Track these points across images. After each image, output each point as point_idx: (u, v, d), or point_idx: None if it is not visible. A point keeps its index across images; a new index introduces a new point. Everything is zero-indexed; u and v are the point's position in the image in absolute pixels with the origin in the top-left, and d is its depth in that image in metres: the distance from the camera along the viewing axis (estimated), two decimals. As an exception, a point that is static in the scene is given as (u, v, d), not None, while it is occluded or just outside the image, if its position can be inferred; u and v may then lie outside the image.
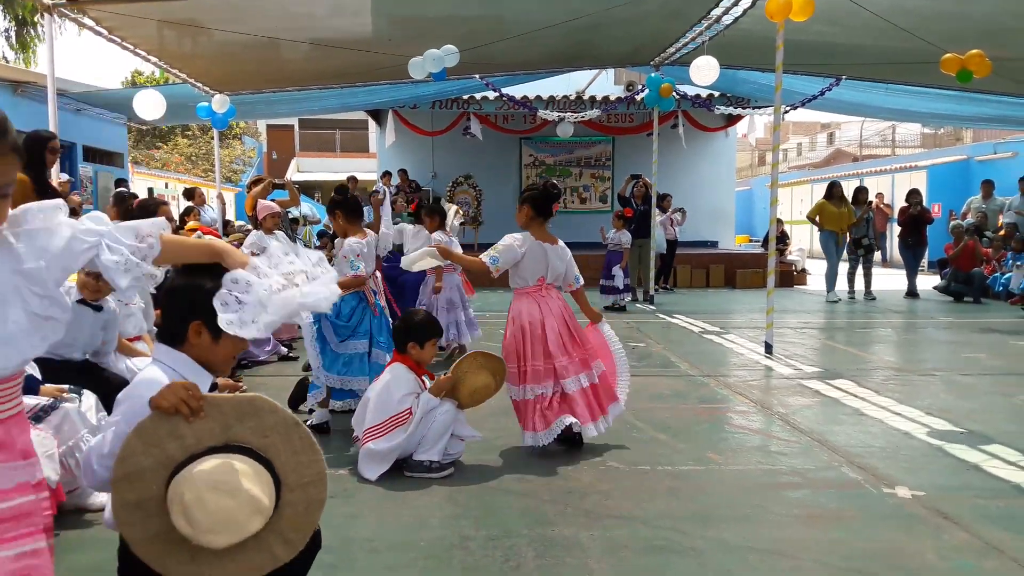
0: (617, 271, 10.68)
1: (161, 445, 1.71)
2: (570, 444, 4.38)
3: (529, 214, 4.43)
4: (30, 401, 3.29)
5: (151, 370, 1.96)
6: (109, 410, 3.30)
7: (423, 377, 4.09)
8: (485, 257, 4.27)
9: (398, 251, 7.38)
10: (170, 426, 1.72)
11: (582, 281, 4.56)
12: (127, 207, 6.24)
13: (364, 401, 4.13)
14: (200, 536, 1.67)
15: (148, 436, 1.71)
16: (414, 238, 7.54)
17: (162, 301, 2.09)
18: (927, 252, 14.20)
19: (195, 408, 1.73)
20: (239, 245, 7.62)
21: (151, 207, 5.43)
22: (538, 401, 4.23)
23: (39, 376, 3.55)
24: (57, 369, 3.73)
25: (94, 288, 3.97)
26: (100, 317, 4.08)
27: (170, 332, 2.00)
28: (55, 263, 1.58)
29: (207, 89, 11.65)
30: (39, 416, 3.26)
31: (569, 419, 4.21)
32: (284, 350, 7.17)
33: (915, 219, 12.62)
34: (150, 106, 10.35)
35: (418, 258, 4.38)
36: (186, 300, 1.97)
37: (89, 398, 3.51)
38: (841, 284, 12.37)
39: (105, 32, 8.79)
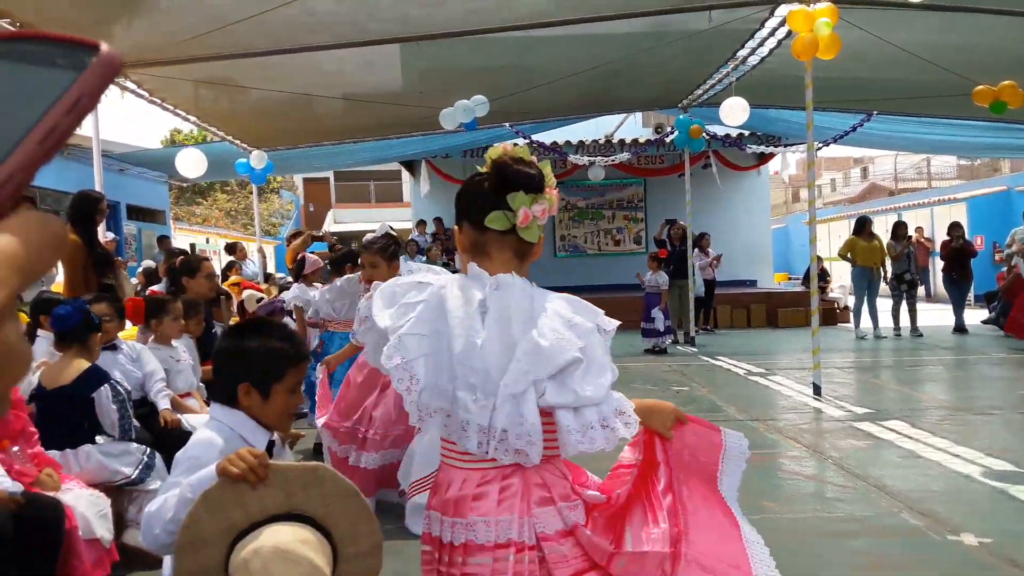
0: (657, 313, 10.56)
1: (226, 512, 1.71)
2: None
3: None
4: (126, 470, 3.47)
5: (207, 430, 1.97)
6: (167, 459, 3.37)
7: None
8: None
9: None
10: (235, 493, 1.72)
11: None
12: (169, 264, 6.35)
13: (409, 454, 4.08)
14: None
15: (214, 503, 1.71)
16: None
17: (213, 363, 2.12)
18: (972, 286, 13.89)
19: (262, 476, 1.73)
20: (277, 294, 7.71)
21: (193, 263, 5.52)
22: None
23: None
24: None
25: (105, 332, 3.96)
26: (124, 355, 4.10)
27: (222, 393, 2.03)
28: None
29: (245, 146, 11.92)
30: (139, 480, 3.40)
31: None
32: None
33: (958, 252, 12.38)
34: (192, 164, 10.60)
35: None
36: (234, 362, 2.01)
37: (159, 460, 3.60)
38: (885, 321, 12.14)
39: (146, 95, 9.05)
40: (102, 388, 3.50)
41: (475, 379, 1.50)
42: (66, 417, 3.47)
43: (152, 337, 4.47)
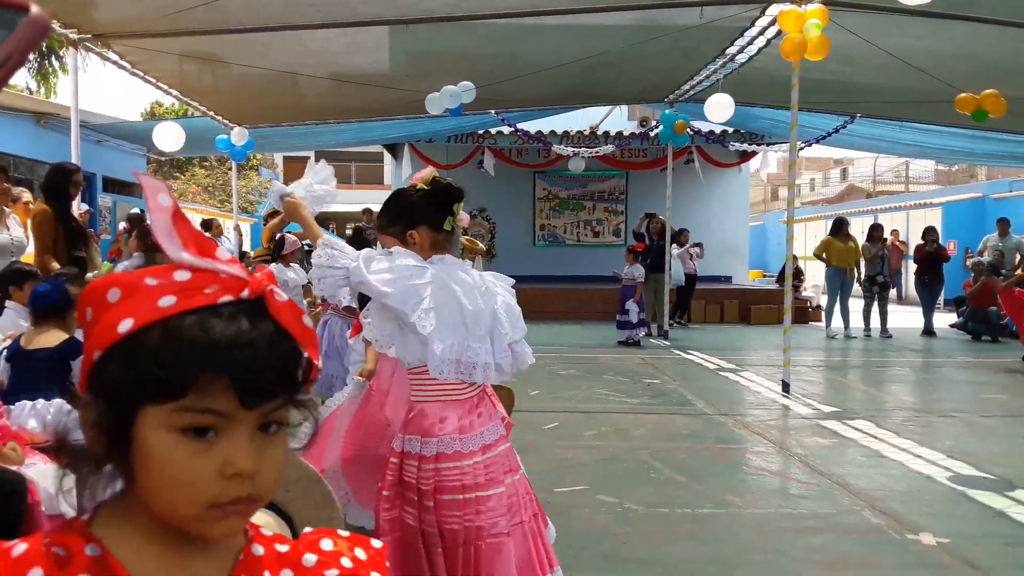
0: (631, 305, 10.63)
1: None
2: None
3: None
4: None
5: None
6: None
7: None
8: None
9: None
10: None
11: None
12: (147, 243, 6.26)
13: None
14: None
15: None
16: None
17: None
18: (943, 290, 14.09)
19: None
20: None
21: None
22: None
23: None
24: None
25: None
26: None
27: None
28: None
29: (226, 122, 11.80)
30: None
31: None
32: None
33: (931, 257, 12.57)
34: (169, 138, 10.48)
35: None
36: None
37: None
38: (856, 321, 12.31)
39: (128, 66, 8.94)
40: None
41: (482, 332, 2.22)
42: (48, 373, 3.50)
43: None
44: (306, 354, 0.76)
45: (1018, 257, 13.48)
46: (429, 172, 2.35)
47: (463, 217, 2.30)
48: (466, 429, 2.17)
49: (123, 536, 0.74)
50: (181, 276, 0.73)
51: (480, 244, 9.24)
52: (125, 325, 0.71)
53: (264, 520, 1.70)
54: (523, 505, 2.25)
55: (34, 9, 0.41)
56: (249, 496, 0.74)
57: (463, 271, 2.27)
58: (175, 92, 10.42)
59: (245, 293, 0.74)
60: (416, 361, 2.21)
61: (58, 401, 3.51)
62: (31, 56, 19.41)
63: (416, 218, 2.29)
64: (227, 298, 0.73)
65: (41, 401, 3.45)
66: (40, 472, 3.08)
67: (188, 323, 0.71)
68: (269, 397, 0.73)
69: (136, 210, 11.26)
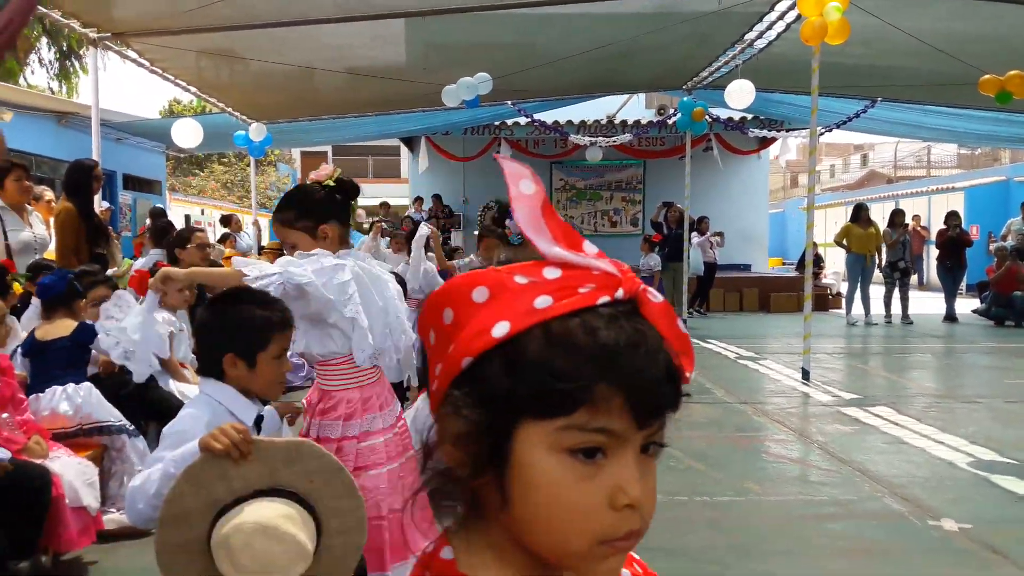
0: None
1: (209, 488, 1.71)
2: None
3: (496, 245, 4.63)
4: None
5: (194, 405, 1.98)
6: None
7: None
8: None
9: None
10: (219, 469, 1.72)
11: None
12: (167, 238, 6.30)
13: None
14: None
15: (197, 479, 1.71)
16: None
17: (195, 337, 2.13)
18: (965, 275, 13.94)
19: (245, 451, 1.73)
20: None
21: (184, 234, 5.52)
22: None
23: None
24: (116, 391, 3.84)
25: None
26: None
27: (208, 366, 2.03)
28: None
29: (244, 118, 11.87)
30: (88, 431, 3.40)
31: None
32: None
33: (954, 242, 12.42)
34: (188, 135, 10.56)
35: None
36: (216, 334, 2.01)
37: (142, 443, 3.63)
38: (877, 308, 12.20)
39: (147, 64, 9.01)
40: (98, 336, 3.67)
41: (390, 320, 2.44)
42: (67, 359, 3.61)
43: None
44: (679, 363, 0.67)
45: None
46: (331, 170, 2.49)
47: (360, 213, 2.57)
48: (372, 410, 2.42)
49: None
50: (552, 273, 0.65)
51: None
52: (501, 329, 0.62)
53: (287, 512, 1.72)
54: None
55: None
56: (638, 531, 0.65)
57: (368, 263, 2.48)
58: (193, 89, 10.49)
59: (620, 293, 0.65)
60: (330, 353, 2.37)
61: (86, 385, 3.59)
62: (51, 56, 19.44)
63: (325, 214, 2.42)
64: (604, 298, 0.64)
65: (71, 386, 3.53)
66: (64, 465, 3.14)
67: (573, 327, 0.61)
68: (660, 414, 0.65)
69: (158, 206, 11.37)
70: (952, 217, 12.75)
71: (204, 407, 1.95)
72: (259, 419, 2.03)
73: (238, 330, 1.97)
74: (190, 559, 1.71)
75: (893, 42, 8.55)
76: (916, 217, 19.26)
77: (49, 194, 6.73)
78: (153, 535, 1.78)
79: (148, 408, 3.91)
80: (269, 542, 1.66)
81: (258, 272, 2.19)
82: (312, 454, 1.78)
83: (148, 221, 9.93)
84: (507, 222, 4.47)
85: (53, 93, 19.27)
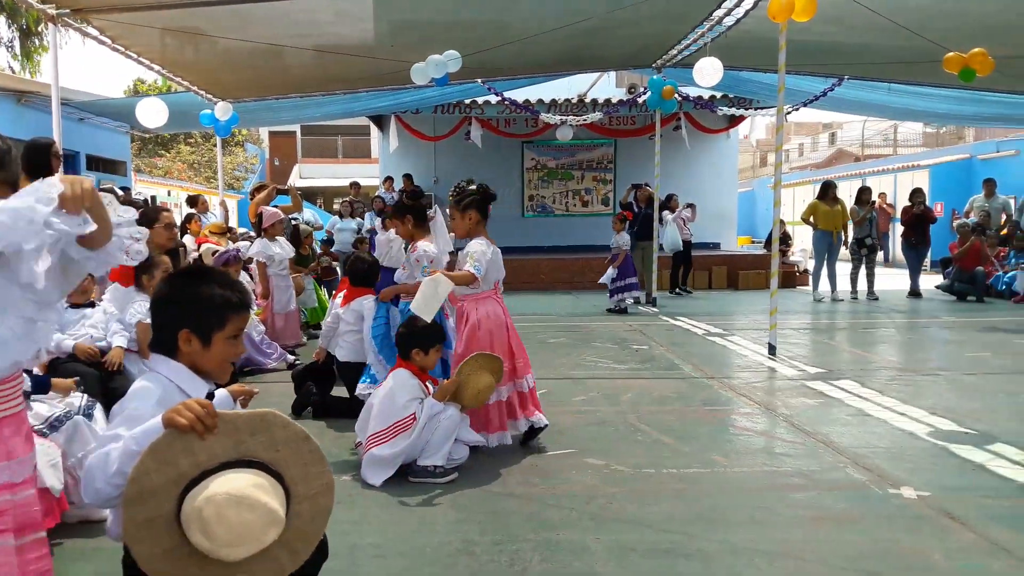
0: (610, 271, 10.76)
1: (174, 463, 1.72)
2: (527, 439, 4.52)
3: (476, 219, 4.41)
4: (43, 410, 3.32)
5: (143, 381, 1.96)
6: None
7: (427, 383, 4.10)
8: (469, 267, 4.18)
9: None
10: (184, 443, 1.72)
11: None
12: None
13: (367, 407, 4.14)
14: (219, 550, 1.69)
15: (162, 454, 1.71)
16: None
17: (151, 311, 2.09)
18: (930, 251, 14.19)
19: (210, 425, 1.73)
20: (239, 250, 7.66)
21: (151, 214, 5.44)
22: (498, 404, 4.36)
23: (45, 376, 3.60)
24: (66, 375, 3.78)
25: (81, 291, 3.98)
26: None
27: (161, 341, 2.00)
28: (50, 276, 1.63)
29: (210, 97, 11.69)
30: (54, 426, 3.29)
31: (538, 417, 4.45)
32: (291, 358, 7.16)
33: (918, 218, 12.62)
34: (153, 114, 10.39)
35: (425, 302, 3.92)
36: (173, 309, 1.98)
37: (100, 412, 3.54)
38: (843, 284, 12.38)
39: (109, 41, 8.83)
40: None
41: None
42: None
43: (146, 293, 4.50)
44: None
45: (1004, 217, 13.58)
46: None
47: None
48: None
49: None
50: None
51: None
52: None
53: (256, 480, 1.73)
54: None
55: None
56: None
57: None
58: (157, 67, 10.30)
59: None
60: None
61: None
62: (11, 34, 18.94)
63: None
64: None
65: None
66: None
67: None
68: None
69: (122, 187, 11.18)
70: (916, 194, 12.95)
71: (155, 384, 1.93)
72: (210, 396, 2.01)
73: (196, 307, 1.95)
74: (158, 535, 1.72)
75: (859, 19, 8.61)
76: (882, 195, 19.54)
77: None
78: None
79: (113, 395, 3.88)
80: (241, 511, 1.68)
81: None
82: (278, 423, 1.79)
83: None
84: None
85: (13, 72, 18.82)
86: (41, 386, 3.40)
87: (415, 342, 4.08)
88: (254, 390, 2.33)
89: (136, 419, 1.80)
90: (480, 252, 4.24)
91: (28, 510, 1.81)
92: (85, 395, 3.56)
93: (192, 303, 1.95)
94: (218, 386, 2.12)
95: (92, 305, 4.18)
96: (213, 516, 1.67)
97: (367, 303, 5.14)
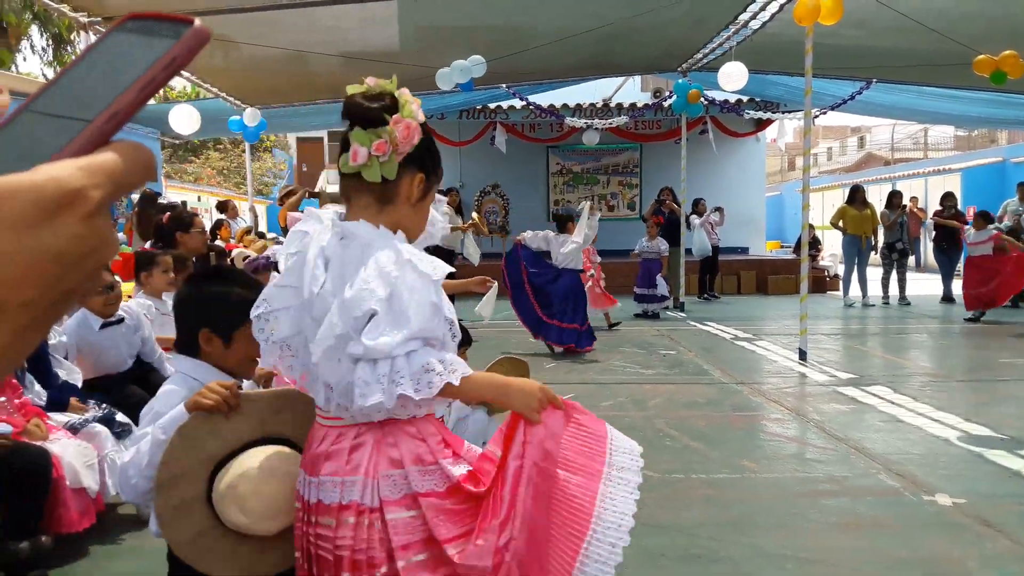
0: (660, 280, 10.63)
1: (202, 444, 1.74)
2: None
3: None
4: (61, 419, 3.37)
5: (170, 384, 1.99)
6: None
7: None
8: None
9: (546, 259, 8.03)
10: (210, 425, 1.75)
11: None
12: (156, 221, 6.21)
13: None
14: (256, 524, 1.71)
15: (190, 437, 1.74)
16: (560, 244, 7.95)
17: (174, 312, 2.13)
18: (962, 256, 13.96)
19: (234, 405, 1.75)
20: (262, 250, 7.72)
21: (186, 218, 5.49)
22: None
23: (79, 384, 3.63)
24: (109, 383, 3.83)
25: (102, 304, 3.91)
26: (127, 327, 4.08)
27: (184, 341, 2.03)
28: None
29: (238, 103, 11.82)
30: (75, 429, 3.33)
31: None
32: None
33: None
34: (185, 120, 10.52)
35: (488, 303, 4.06)
36: (194, 309, 2.02)
37: (122, 418, 3.58)
38: (875, 290, 12.23)
39: (139, 49, 8.96)
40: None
41: (315, 331, 1.47)
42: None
43: (142, 290, 4.47)
44: None
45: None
46: (362, 83, 1.87)
47: (374, 146, 1.62)
48: None
49: None
50: None
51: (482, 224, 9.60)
52: None
53: (285, 453, 1.75)
54: None
55: (197, 22, 0.50)
56: None
57: (341, 241, 1.72)
58: (186, 74, 10.42)
59: None
60: None
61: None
62: (44, 42, 19.34)
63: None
64: None
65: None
66: (63, 447, 3.16)
67: None
68: None
69: (148, 190, 11.26)
70: (948, 198, 12.75)
71: (180, 384, 1.95)
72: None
73: (216, 307, 1.98)
74: (191, 517, 1.74)
75: (886, 22, 8.52)
76: (913, 199, 19.26)
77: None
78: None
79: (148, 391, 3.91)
80: (275, 484, 1.71)
81: None
82: (299, 399, 1.81)
83: (135, 208, 9.74)
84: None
85: (47, 79, 19.17)
86: (56, 405, 3.44)
87: None
88: (275, 371, 2.32)
89: (163, 417, 1.82)
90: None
91: None
92: (105, 406, 3.60)
93: (212, 303, 1.99)
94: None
95: (121, 320, 4.07)
96: (249, 491, 1.69)
97: None
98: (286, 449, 1.78)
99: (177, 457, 1.72)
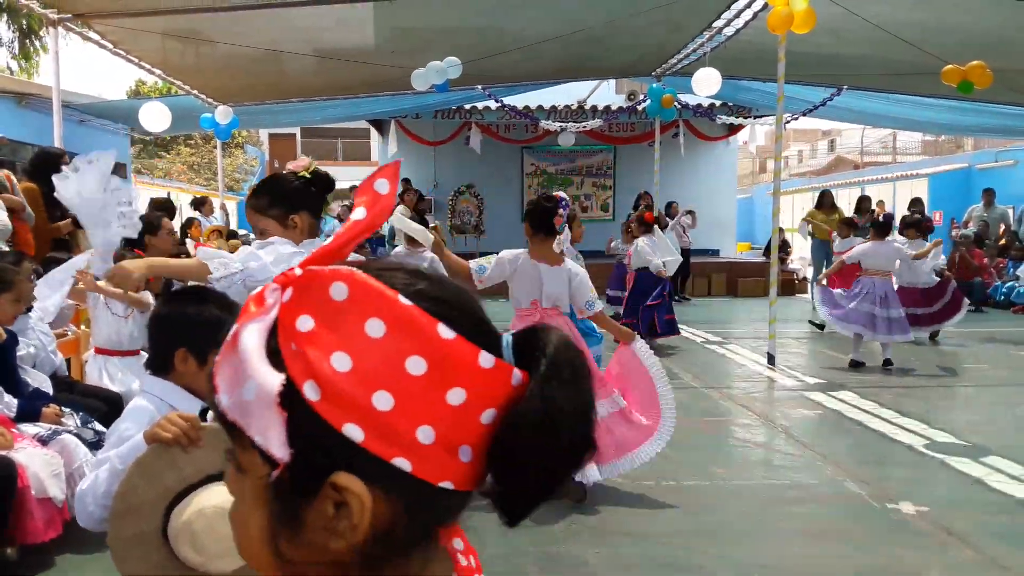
0: None
1: (160, 478, 1.70)
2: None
3: (528, 231, 4.08)
4: (30, 430, 3.32)
5: (138, 401, 1.97)
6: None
7: None
8: (473, 263, 4.00)
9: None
10: (169, 458, 1.71)
11: (598, 307, 3.96)
12: None
13: None
14: (209, 563, 1.68)
15: (148, 470, 1.70)
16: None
17: (149, 330, 2.10)
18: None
19: (194, 438, 1.73)
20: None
21: (154, 221, 5.42)
22: None
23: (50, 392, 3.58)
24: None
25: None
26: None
27: (158, 360, 2.01)
28: None
29: (210, 100, 11.70)
30: (43, 441, 3.28)
31: None
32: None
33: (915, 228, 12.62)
34: (155, 118, 10.40)
35: (413, 228, 3.97)
36: (171, 328, 2.00)
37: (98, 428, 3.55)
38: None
39: (110, 45, 8.84)
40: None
41: None
42: None
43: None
44: None
45: (1002, 228, 13.62)
46: (307, 161, 2.53)
47: (332, 207, 2.42)
48: None
49: None
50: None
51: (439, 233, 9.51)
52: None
53: None
54: None
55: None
56: None
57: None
58: (158, 72, 10.32)
59: None
60: None
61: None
62: (11, 35, 18.93)
63: (297, 203, 2.47)
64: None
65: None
66: (29, 456, 3.11)
67: None
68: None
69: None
70: (915, 203, 13.00)
71: (148, 404, 1.94)
72: (204, 412, 2.02)
73: (195, 327, 1.96)
74: (144, 551, 1.71)
75: (858, 32, 8.65)
76: (881, 203, 19.53)
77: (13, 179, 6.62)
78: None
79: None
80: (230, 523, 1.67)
81: (223, 272, 2.19)
82: None
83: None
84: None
85: (12, 73, 18.83)
86: (28, 414, 3.38)
87: None
88: None
89: (127, 440, 1.80)
90: (497, 259, 3.98)
91: None
92: (78, 416, 3.55)
93: (191, 323, 1.97)
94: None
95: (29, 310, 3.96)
96: (204, 528, 1.66)
97: None
98: None
99: (134, 489, 1.69)
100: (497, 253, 4.10)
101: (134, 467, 1.70)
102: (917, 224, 9.24)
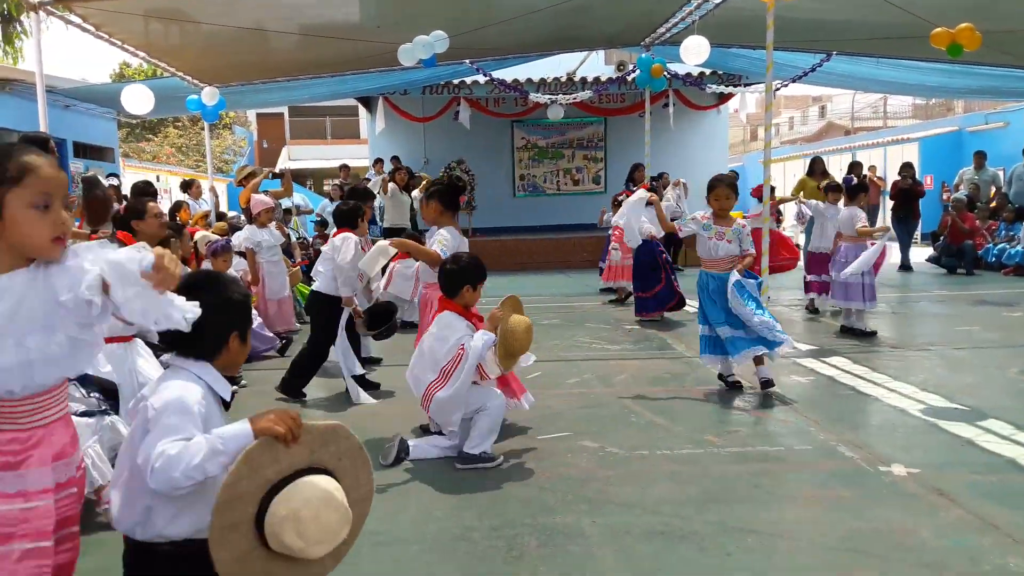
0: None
1: (263, 470, 1.85)
2: None
3: (438, 209, 4.59)
4: (75, 406, 3.35)
5: (177, 380, 1.97)
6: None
7: (472, 321, 4.08)
8: (436, 248, 4.42)
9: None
10: (272, 452, 1.85)
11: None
12: (114, 213, 6.05)
13: (420, 353, 4.12)
14: (309, 548, 1.86)
15: (255, 461, 1.83)
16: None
17: (205, 317, 2.11)
18: (920, 225, 14.24)
19: (298, 435, 1.87)
20: (228, 233, 7.63)
21: (139, 207, 5.37)
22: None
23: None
24: None
25: None
26: None
27: (210, 345, 2.03)
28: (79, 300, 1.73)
29: (196, 82, 11.59)
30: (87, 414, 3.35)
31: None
32: (279, 343, 7.17)
33: (907, 192, 12.65)
34: (138, 101, 10.30)
35: (371, 259, 4.62)
36: (226, 313, 2.07)
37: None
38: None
39: (92, 29, 8.73)
40: None
41: None
42: None
43: None
44: None
45: (993, 190, 13.64)
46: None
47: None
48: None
49: None
50: None
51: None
52: None
53: (335, 484, 1.92)
54: None
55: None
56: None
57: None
58: (142, 54, 10.20)
59: None
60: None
61: None
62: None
63: None
64: None
65: None
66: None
67: None
68: None
69: (90, 173, 10.99)
70: (906, 168, 12.98)
71: (193, 382, 1.97)
72: (232, 395, 2.08)
73: (240, 309, 2.11)
74: (240, 539, 1.83)
75: (847, -4, 8.60)
76: (872, 168, 19.53)
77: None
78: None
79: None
80: (332, 512, 1.88)
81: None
82: (342, 435, 2.00)
83: (79, 192, 9.50)
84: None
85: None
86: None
87: (466, 279, 4.06)
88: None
89: (191, 415, 1.87)
90: (445, 238, 4.47)
91: (70, 507, 1.93)
92: (93, 395, 3.57)
93: (237, 306, 2.10)
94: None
95: None
96: (311, 516, 1.84)
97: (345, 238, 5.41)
98: (333, 481, 1.92)
99: (240, 480, 1.81)
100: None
101: (244, 458, 1.82)
102: (838, 188, 8.61)
